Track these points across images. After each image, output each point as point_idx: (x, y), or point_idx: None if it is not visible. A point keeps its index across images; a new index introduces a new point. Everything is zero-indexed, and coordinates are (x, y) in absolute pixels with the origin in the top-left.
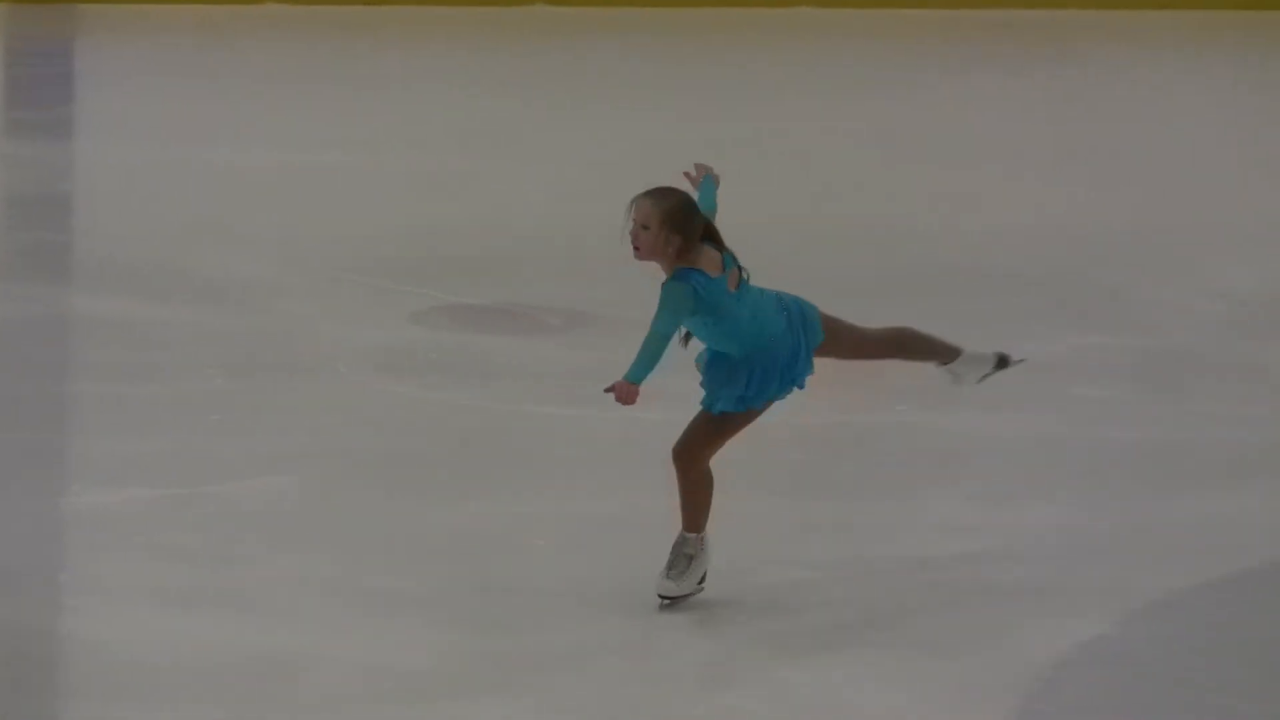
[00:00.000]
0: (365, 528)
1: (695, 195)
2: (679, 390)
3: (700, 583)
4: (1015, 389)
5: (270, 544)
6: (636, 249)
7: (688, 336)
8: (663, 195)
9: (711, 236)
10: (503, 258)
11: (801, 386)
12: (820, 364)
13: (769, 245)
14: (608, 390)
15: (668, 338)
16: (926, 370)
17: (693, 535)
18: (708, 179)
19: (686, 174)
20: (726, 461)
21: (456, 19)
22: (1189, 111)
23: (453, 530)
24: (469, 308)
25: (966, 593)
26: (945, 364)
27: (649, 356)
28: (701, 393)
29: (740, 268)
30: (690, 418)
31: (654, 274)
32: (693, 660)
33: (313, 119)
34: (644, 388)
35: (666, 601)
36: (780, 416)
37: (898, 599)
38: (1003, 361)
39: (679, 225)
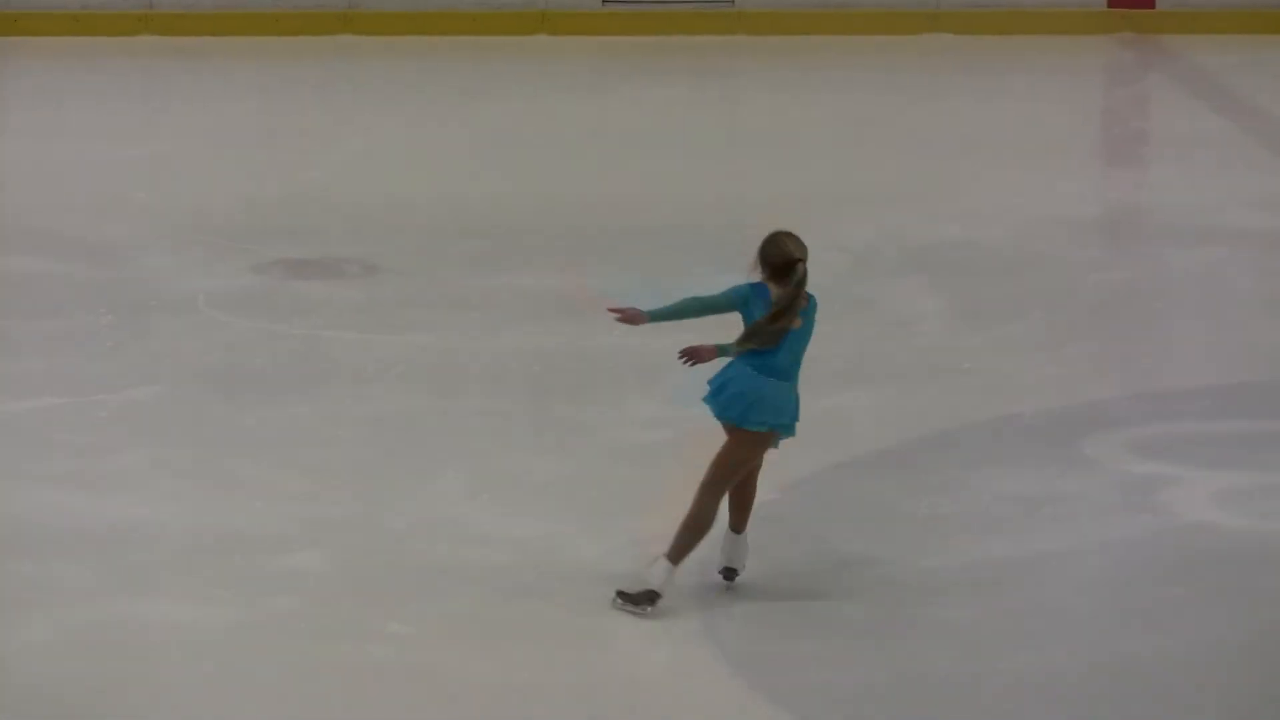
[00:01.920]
0: (213, 425)
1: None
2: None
3: (645, 602)
4: (833, 289)
5: (140, 438)
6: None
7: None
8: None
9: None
10: (314, 224)
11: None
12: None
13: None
14: (614, 310)
15: (700, 305)
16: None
17: (669, 565)
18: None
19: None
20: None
21: (270, 49)
22: (812, 114)
23: (280, 425)
24: (291, 260)
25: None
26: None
27: (674, 306)
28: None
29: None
30: None
31: (436, 234)
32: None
33: (174, 118)
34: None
35: (624, 596)
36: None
37: (605, 469)
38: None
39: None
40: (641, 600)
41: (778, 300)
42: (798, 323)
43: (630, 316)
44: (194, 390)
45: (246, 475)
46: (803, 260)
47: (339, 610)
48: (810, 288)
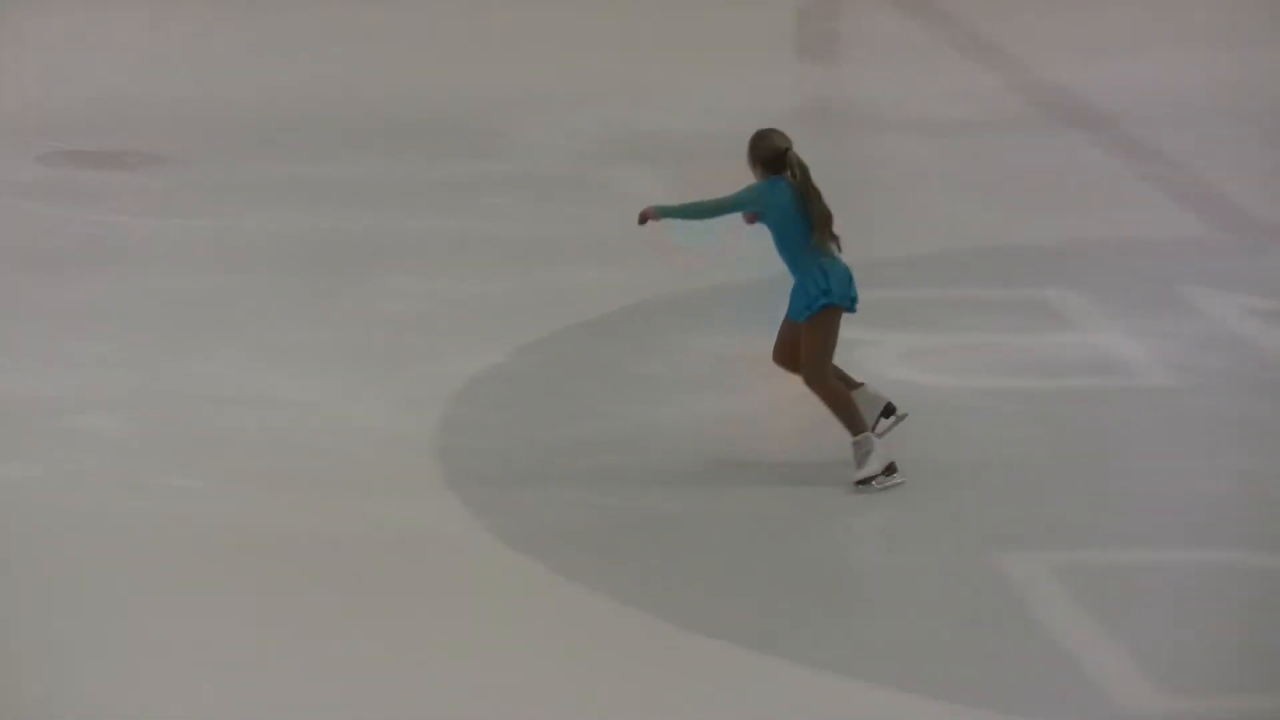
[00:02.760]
0: (7, 299)
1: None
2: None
3: (891, 472)
4: (437, 199)
5: None
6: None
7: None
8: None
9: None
10: (102, 122)
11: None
12: None
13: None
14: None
15: (716, 207)
16: None
17: (859, 437)
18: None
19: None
20: None
21: None
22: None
23: (71, 301)
24: (82, 152)
25: (409, 330)
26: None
27: (687, 206)
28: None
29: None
30: None
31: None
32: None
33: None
34: None
35: (863, 484)
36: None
37: (365, 336)
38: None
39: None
40: (889, 472)
41: (800, 188)
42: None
43: (644, 214)
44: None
45: (40, 346)
46: (789, 148)
47: (134, 467)
48: (542, 173)
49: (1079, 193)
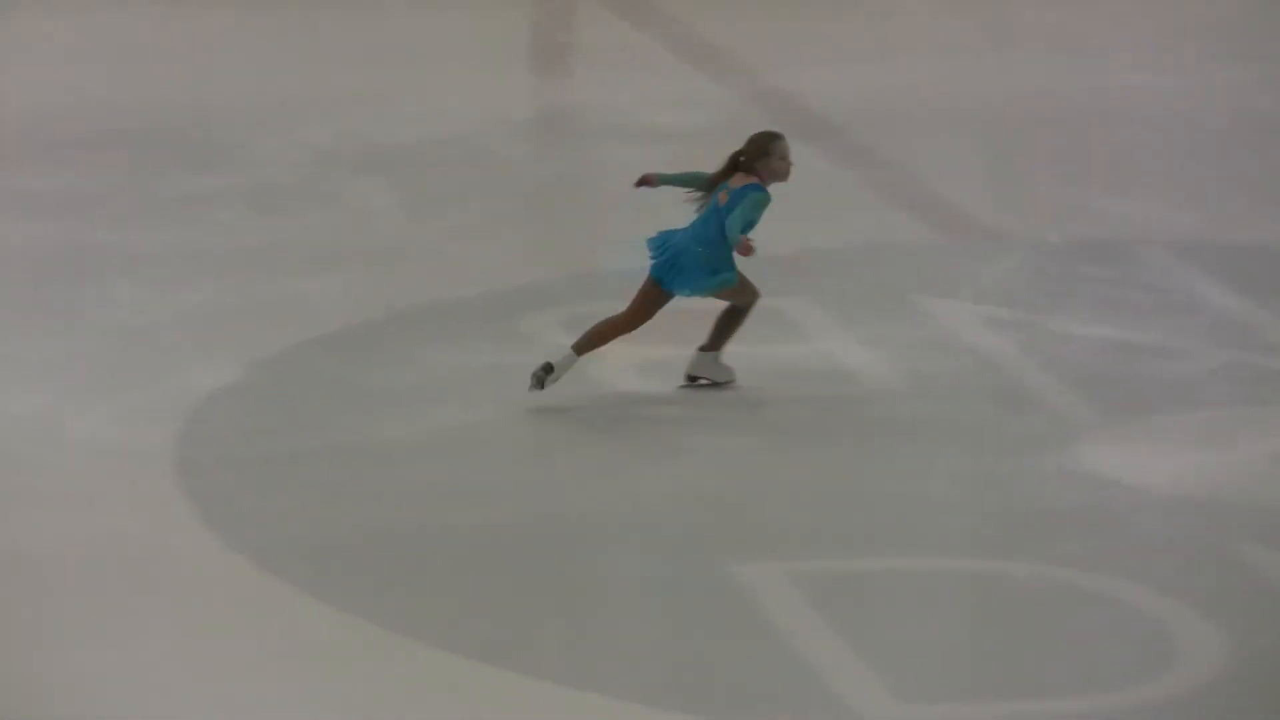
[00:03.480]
0: None
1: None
2: None
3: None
4: (169, 211)
5: None
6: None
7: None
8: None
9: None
10: None
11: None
12: None
13: None
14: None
15: (708, 179)
16: None
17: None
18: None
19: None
20: None
21: None
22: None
23: None
24: None
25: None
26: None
27: (686, 175)
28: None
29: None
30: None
31: None
32: None
33: None
34: None
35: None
36: None
37: (95, 348)
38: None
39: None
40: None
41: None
42: (723, 197)
43: (644, 178)
44: None
45: None
46: (778, 138)
47: None
48: (274, 185)
49: (809, 201)
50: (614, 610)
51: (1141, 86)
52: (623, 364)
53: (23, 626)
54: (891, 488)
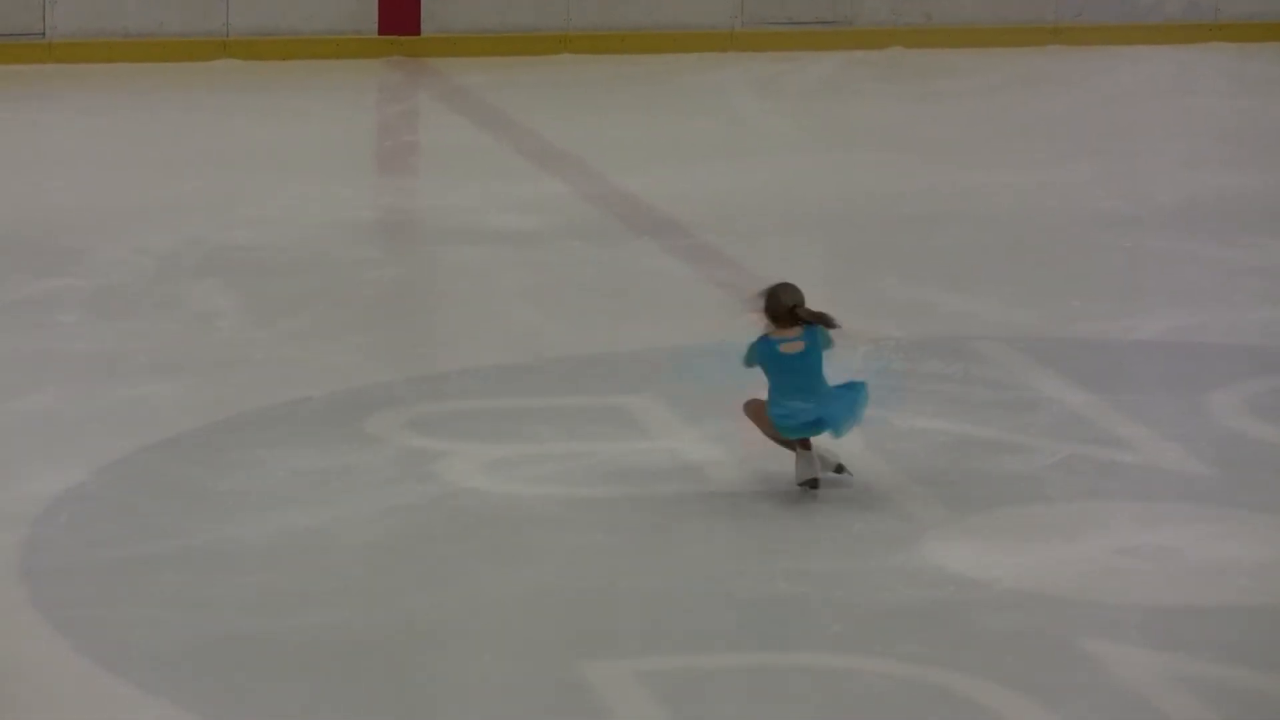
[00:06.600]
0: None
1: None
2: None
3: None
4: (7, 317)
5: None
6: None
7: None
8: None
9: (800, 320)
10: None
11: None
12: None
13: None
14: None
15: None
16: None
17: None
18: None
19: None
20: None
21: None
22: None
23: None
24: None
25: None
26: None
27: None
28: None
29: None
30: None
31: None
32: None
33: None
34: None
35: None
36: None
37: None
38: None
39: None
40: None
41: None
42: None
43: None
44: None
45: None
46: (799, 304)
47: None
48: (116, 290)
49: (651, 299)
50: (461, 714)
51: (982, 185)
52: (469, 465)
53: None
54: (733, 586)
